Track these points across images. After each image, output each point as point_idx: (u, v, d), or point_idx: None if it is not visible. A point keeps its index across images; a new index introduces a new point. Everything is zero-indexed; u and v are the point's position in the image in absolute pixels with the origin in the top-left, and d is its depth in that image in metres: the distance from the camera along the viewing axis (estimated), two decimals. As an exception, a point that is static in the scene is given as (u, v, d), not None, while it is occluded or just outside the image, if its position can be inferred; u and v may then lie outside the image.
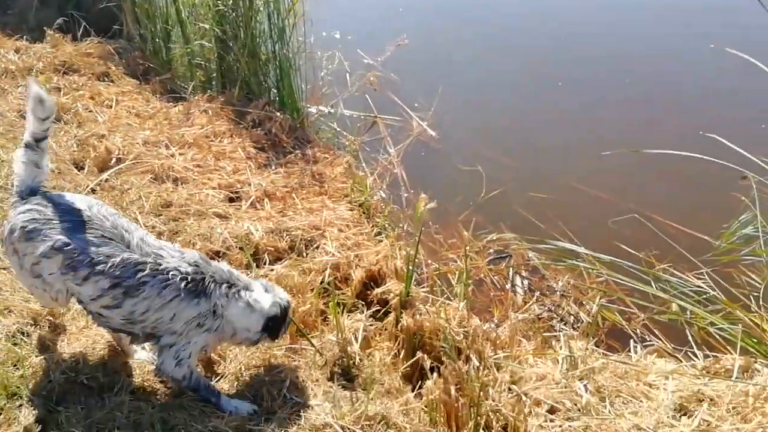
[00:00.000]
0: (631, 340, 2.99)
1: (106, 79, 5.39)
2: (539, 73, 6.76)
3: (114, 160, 3.90)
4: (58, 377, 2.31)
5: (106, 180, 3.73)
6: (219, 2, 4.69)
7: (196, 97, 4.92)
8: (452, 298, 3.08)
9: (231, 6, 4.66)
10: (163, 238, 3.22)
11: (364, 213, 4.06)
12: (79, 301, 2.24)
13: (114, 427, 2.14)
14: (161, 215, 3.42)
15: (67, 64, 5.32)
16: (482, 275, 3.81)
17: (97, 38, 5.83)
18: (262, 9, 4.73)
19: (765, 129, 5.08)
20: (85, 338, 2.54)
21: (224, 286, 2.26)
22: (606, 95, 6.29)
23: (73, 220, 2.17)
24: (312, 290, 3.04)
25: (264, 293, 2.35)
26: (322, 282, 3.06)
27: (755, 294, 3.17)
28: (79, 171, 3.91)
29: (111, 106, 4.82)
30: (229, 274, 2.32)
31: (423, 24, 7.83)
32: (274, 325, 2.34)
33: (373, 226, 3.98)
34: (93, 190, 3.71)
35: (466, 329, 2.82)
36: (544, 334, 3.16)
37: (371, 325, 2.93)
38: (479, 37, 7.83)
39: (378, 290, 3.07)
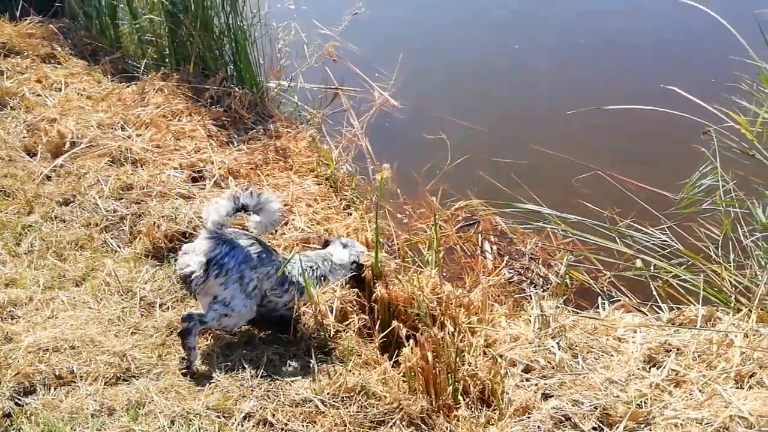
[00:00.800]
0: (599, 298, 3.06)
1: (52, 60, 5.16)
2: (496, 37, 6.76)
3: (68, 144, 3.75)
4: (26, 368, 2.24)
5: (61, 166, 3.59)
6: (166, -27, 4.49)
7: (150, 76, 4.73)
8: (424, 267, 3.09)
9: (179, -23, 4.48)
10: (126, 221, 3.14)
11: (331, 187, 4.02)
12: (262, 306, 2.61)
13: (88, 414, 2.10)
14: (122, 198, 3.32)
15: (8, 45, 5.06)
16: (452, 243, 3.84)
17: (38, 17, 5.55)
18: (213, -22, 4.56)
19: (715, 82, 5.22)
20: (53, 328, 2.45)
21: (326, 262, 2.87)
22: (563, 55, 6.34)
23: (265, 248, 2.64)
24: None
25: (342, 250, 2.97)
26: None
27: (715, 245, 3.29)
28: (31, 158, 3.75)
29: (60, 89, 4.63)
30: (320, 254, 2.93)
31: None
32: (355, 271, 2.95)
33: (341, 200, 3.96)
34: (48, 177, 3.57)
35: (439, 296, 2.84)
36: (516, 296, 3.22)
37: (346, 298, 2.91)
38: (435, 2, 7.77)
39: (350, 264, 3.04)
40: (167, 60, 5.06)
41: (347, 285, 2.88)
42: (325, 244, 3.15)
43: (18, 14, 5.53)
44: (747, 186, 3.05)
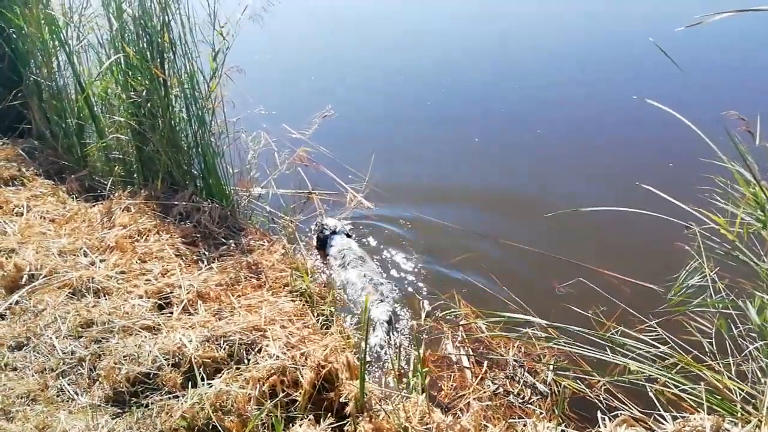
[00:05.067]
0: (598, 412, 2.87)
1: (15, 183, 5.03)
2: (457, 133, 6.92)
3: (25, 278, 3.54)
4: None
5: (17, 302, 3.36)
6: (132, 93, 4.48)
7: (117, 194, 4.63)
8: (410, 393, 2.88)
9: (145, 97, 4.47)
10: (85, 364, 2.90)
11: (306, 302, 3.84)
12: None
13: None
14: (82, 337, 3.08)
15: (-31, 171, 4.94)
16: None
17: (3, 139, 5.49)
18: (179, 95, 4.56)
19: (673, 166, 5.30)
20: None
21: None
22: (531, 152, 6.47)
23: None
24: (257, 403, 2.77)
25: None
26: (266, 395, 2.80)
27: (707, 341, 3.16)
28: (-15, 295, 3.52)
29: (22, 214, 4.46)
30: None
31: (344, 93, 7.94)
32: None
33: (318, 316, 3.77)
34: (2, 316, 3.33)
35: (428, 426, 2.63)
36: (509, 420, 3.00)
37: (328, 435, 2.68)
38: (402, 102, 8.02)
39: (331, 394, 2.83)
40: (135, 176, 4.98)
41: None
42: (324, 242, 4.72)
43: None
44: (735, 284, 2.98)
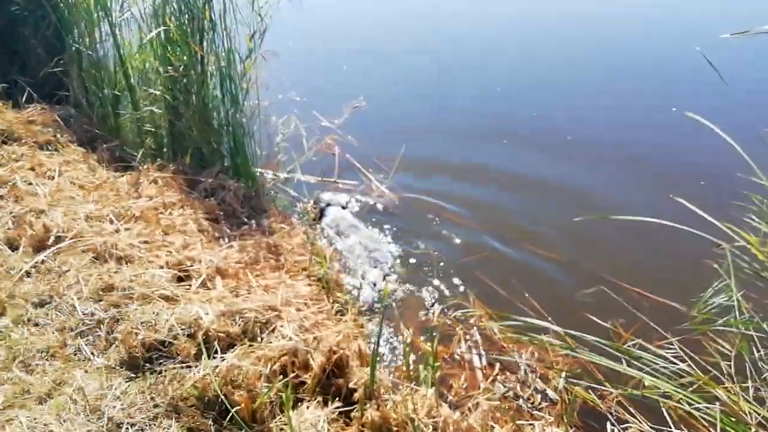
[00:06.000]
0: (608, 423, 2.83)
1: (50, 148, 5.12)
2: (497, 134, 6.85)
3: (52, 238, 3.61)
4: None
5: (43, 262, 3.43)
6: (169, 68, 4.54)
7: (146, 166, 4.69)
8: (419, 385, 2.87)
9: (182, 72, 4.52)
10: (103, 327, 2.95)
11: (323, 287, 3.86)
12: None
13: None
14: (101, 300, 3.12)
15: (7, 132, 5.03)
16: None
17: (42, 104, 5.59)
18: (214, 73, 4.61)
19: (705, 185, 5.20)
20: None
21: None
22: (566, 158, 6.37)
23: None
24: (267, 380, 2.79)
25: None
26: (276, 374, 2.82)
27: (726, 362, 3.09)
28: (12, 251, 3.60)
29: (53, 178, 4.55)
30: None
31: (378, 86, 7.94)
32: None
33: (333, 302, 3.79)
34: (28, 273, 3.40)
35: (435, 420, 2.62)
36: (518, 422, 2.98)
37: (336, 418, 2.69)
38: (435, 97, 7.99)
39: (340, 380, 2.84)
40: (164, 150, 5.05)
41: None
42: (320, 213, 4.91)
43: (23, 101, 5.59)
44: (761, 306, 2.91)
